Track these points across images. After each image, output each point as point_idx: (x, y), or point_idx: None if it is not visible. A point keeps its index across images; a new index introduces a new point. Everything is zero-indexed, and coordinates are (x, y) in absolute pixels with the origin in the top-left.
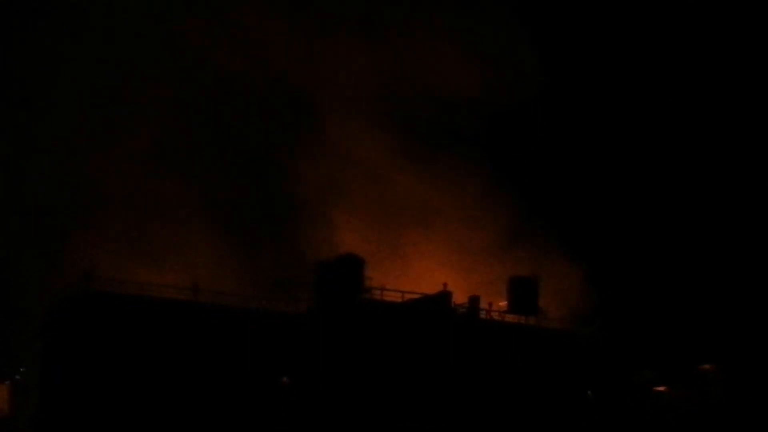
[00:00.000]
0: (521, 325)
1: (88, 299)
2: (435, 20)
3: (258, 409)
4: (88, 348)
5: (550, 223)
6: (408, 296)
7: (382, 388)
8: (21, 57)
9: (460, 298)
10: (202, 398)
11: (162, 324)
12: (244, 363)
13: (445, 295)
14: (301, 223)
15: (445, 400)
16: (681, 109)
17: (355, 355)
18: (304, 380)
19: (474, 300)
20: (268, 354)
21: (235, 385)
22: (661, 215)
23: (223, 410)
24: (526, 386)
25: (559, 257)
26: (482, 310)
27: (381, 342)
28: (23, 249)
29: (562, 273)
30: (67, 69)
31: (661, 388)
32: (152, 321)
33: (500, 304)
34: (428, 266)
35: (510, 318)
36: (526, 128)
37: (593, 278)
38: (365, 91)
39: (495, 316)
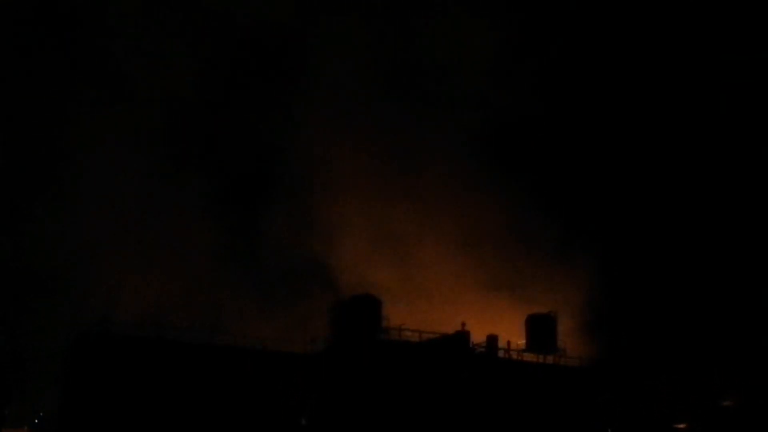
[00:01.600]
0: (540, 363)
1: (105, 342)
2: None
3: None
4: (105, 391)
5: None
6: (426, 336)
7: (401, 428)
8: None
9: (477, 336)
10: None
11: (179, 366)
12: (262, 404)
13: (463, 335)
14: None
15: None
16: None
17: (373, 395)
18: (322, 421)
19: (492, 339)
20: (285, 394)
21: (254, 426)
22: (682, 242)
23: None
24: (546, 425)
25: (573, 289)
26: (501, 349)
27: (399, 381)
28: (38, 292)
29: (577, 306)
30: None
31: (681, 425)
32: (169, 363)
33: (518, 342)
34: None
35: (528, 356)
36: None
37: (608, 310)
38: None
39: (513, 355)
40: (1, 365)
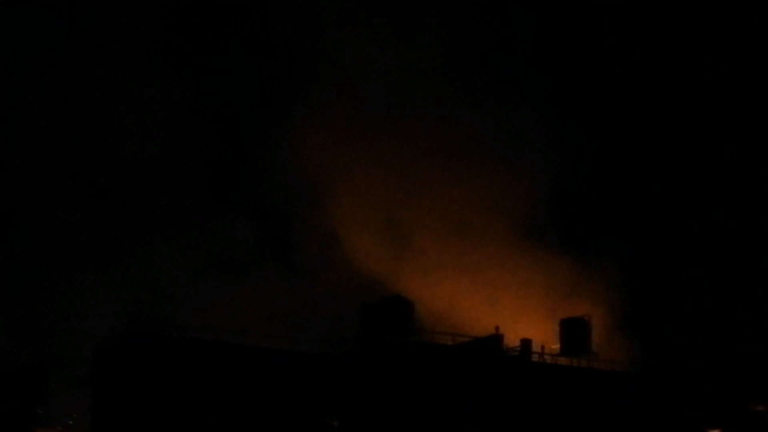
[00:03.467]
0: (573, 367)
1: (135, 342)
2: None
3: None
4: (136, 392)
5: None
6: (459, 339)
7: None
8: None
9: (511, 340)
10: None
11: (209, 366)
12: (292, 405)
13: (496, 338)
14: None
15: None
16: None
17: (405, 398)
18: (352, 422)
19: (525, 342)
20: (316, 396)
21: (284, 427)
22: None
23: None
24: (579, 428)
25: (607, 294)
26: (535, 353)
27: (431, 384)
28: (68, 293)
29: (610, 311)
30: None
31: (715, 430)
32: (198, 363)
33: (552, 347)
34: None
35: (562, 360)
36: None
37: (641, 314)
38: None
39: (547, 359)
40: (33, 366)
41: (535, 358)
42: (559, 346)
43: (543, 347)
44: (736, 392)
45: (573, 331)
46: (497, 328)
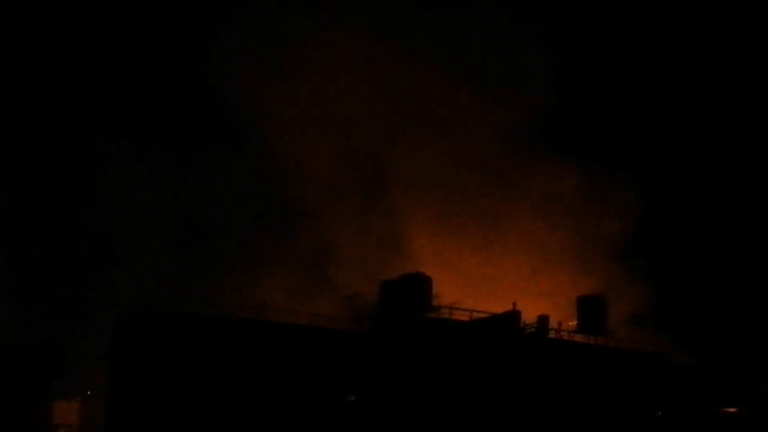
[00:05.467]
0: (590, 345)
1: (152, 318)
2: None
3: (323, 427)
4: (153, 368)
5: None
6: (476, 315)
7: (449, 408)
8: None
9: (529, 317)
10: (268, 417)
11: (227, 343)
12: (309, 381)
13: (513, 315)
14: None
15: (513, 421)
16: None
17: (422, 374)
18: (370, 399)
19: (543, 320)
20: (334, 372)
21: (301, 403)
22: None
23: (289, 430)
24: (595, 406)
25: (624, 273)
26: (552, 330)
27: (448, 361)
28: (88, 269)
29: (627, 290)
30: None
31: (731, 410)
32: (217, 340)
33: (569, 324)
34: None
35: (579, 338)
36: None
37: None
38: None
39: (564, 336)
40: (49, 341)
41: (552, 334)
42: (576, 322)
43: (560, 323)
44: (750, 373)
45: (589, 309)
46: (514, 304)
